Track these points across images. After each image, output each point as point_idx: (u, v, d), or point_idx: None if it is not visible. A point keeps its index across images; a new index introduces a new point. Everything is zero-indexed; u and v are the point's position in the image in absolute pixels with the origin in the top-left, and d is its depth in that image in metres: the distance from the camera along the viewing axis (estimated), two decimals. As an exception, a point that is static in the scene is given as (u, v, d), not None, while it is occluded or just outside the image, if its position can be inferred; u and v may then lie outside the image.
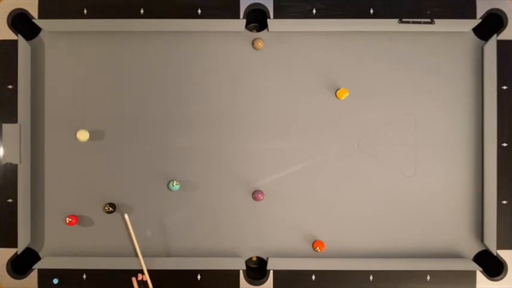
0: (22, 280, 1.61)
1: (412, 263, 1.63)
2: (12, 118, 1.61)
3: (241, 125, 1.67)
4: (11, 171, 1.61)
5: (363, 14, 1.63)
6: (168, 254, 1.66)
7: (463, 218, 1.69)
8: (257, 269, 1.69)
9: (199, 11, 1.63)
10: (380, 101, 1.68)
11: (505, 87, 1.64)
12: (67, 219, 1.59)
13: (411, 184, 1.68)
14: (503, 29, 1.62)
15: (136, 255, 1.61)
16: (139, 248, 1.61)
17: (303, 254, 1.66)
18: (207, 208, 1.67)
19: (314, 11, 1.64)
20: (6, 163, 1.61)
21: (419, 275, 1.63)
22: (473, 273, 1.63)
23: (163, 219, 1.67)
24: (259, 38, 1.65)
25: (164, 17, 1.62)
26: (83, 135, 1.58)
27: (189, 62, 1.67)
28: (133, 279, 1.55)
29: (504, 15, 1.62)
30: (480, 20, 1.62)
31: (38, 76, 1.66)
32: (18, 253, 1.61)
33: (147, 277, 1.56)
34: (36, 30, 1.65)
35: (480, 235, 1.68)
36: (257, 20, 1.67)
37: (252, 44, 1.66)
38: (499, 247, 1.62)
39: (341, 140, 1.68)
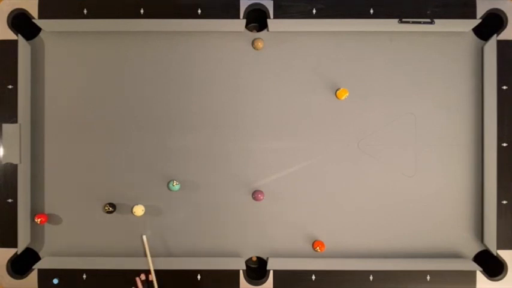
0: (22, 280, 1.61)
1: (412, 263, 1.63)
2: (12, 118, 1.61)
3: (241, 125, 1.67)
4: (11, 171, 1.61)
5: (363, 14, 1.63)
6: (168, 254, 1.66)
7: (463, 218, 1.69)
8: (257, 269, 1.69)
9: (199, 11, 1.63)
10: (380, 101, 1.68)
11: (505, 87, 1.64)
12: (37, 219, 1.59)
13: (411, 184, 1.68)
14: (503, 29, 1.62)
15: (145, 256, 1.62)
16: (153, 264, 1.61)
17: (303, 254, 1.66)
18: (207, 208, 1.67)
19: (314, 11, 1.64)
20: (6, 163, 1.61)
21: (419, 275, 1.63)
22: (473, 273, 1.63)
23: (163, 219, 1.67)
24: (259, 38, 1.65)
25: (164, 17, 1.62)
26: (138, 210, 1.60)
27: (189, 62, 1.67)
28: (137, 279, 1.55)
29: (504, 15, 1.62)
30: (480, 20, 1.62)
31: (38, 76, 1.66)
32: (18, 253, 1.61)
33: (153, 278, 1.56)
34: (36, 30, 1.65)
35: (480, 235, 1.68)
36: (257, 20, 1.67)
37: (252, 44, 1.66)
38: (499, 247, 1.62)
39: (341, 140, 1.68)
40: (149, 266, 1.58)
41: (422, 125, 1.68)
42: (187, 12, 1.63)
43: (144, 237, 1.62)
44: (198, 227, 1.67)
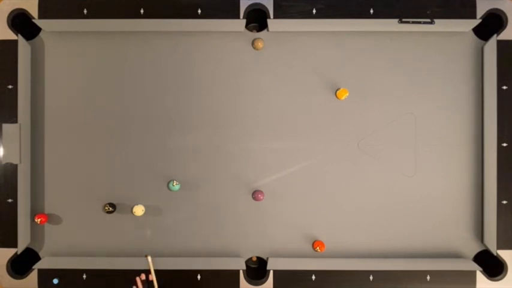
0: (22, 280, 1.61)
1: (412, 263, 1.63)
2: (12, 118, 1.61)
3: (241, 125, 1.67)
4: (11, 171, 1.61)
5: (363, 14, 1.63)
6: (168, 254, 1.66)
7: (463, 217, 1.69)
8: (257, 269, 1.69)
9: (199, 11, 1.63)
10: (380, 101, 1.68)
11: (505, 87, 1.64)
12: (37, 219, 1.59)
13: (411, 184, 1.68)
14: (503, 29, 1.62)
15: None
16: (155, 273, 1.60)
17: (303, 254, 1.66)
18: (207, 208, 1.67)
19: (314, 11, 1.64)
20: (6, 163, 1.61)
21: (419, 275, 1.63)
22: (473, 273, 1.63)
23: (163, 219, 1.67)
24: (259, 38, 1.65)
25: (164, 17, 1.62)
26: (138, 210, 1.60)
27: (189, 62, 1.67)
28: (137, 278, 1.55)
29: (504, 15, 1.62)
30: (480, 20, 1.62)
31: (38, 76, 1.66)
32: (18, 253, 1.61)
33: (153, 277, 1.55)
34: (36, 30, 1.65)
35: (480, 235, 1.68)
36: (257, 20, 1.67)
37: (252, 44, 1.66)
38: (499, 247, 1.62)
39: (341, 140, 1.68)
40: (149, 266, 1.58)
41: (422, 125, 1.68)
42: (187, 12, 1.63)
43: (149, 258, 1.60)
44: (198, 227, 1.67)
